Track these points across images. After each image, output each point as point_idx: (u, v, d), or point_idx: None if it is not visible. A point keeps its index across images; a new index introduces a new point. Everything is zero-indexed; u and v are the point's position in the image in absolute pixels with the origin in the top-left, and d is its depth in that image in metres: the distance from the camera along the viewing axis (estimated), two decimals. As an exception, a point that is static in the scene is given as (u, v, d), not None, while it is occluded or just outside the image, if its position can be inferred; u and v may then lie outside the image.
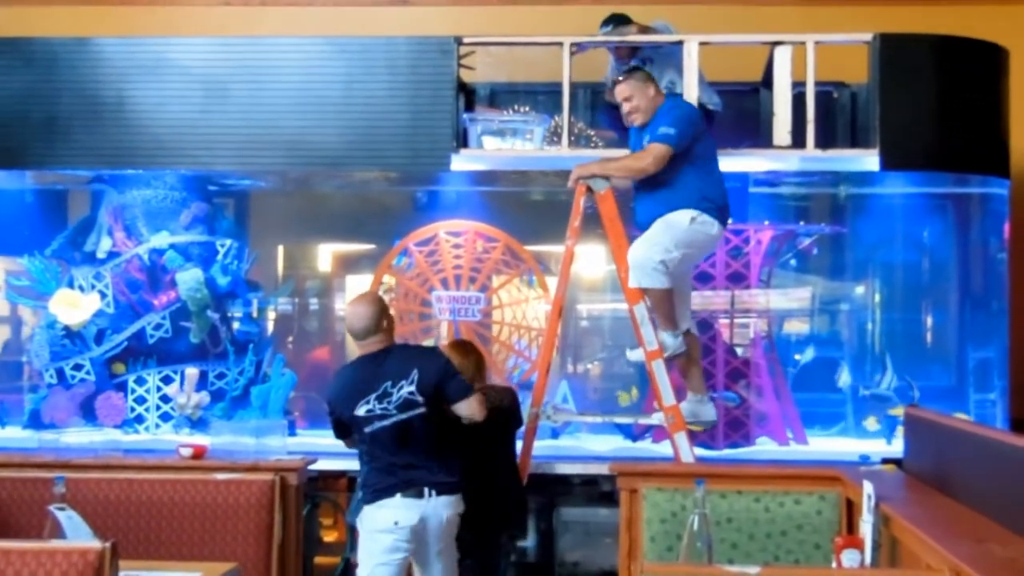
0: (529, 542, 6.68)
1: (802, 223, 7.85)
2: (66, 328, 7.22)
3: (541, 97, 7.50)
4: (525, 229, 7.46)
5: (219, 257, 7.44)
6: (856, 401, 7.44)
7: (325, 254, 8.78)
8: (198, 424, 7.05)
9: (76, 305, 7.19)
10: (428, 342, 7.08)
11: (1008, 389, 7.37)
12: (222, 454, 6.02)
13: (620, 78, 6.24)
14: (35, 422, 7.16)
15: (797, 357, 7.80)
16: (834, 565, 4.18)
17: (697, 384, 6.26)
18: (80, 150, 6.96)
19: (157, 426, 7.19)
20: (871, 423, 7.20)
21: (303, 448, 6.50)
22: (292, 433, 6.84)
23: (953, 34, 6.98)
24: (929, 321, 8.08)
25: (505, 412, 5.65)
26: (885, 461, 5.95)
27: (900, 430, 6.25)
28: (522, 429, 5.86)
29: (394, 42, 6.97)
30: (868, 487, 4.46)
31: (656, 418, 6.13)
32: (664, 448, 6.46)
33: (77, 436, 6.83)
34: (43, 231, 7.59)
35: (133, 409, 7.21)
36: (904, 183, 7.53)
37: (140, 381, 7.23)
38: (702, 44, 6.62)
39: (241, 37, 7.55)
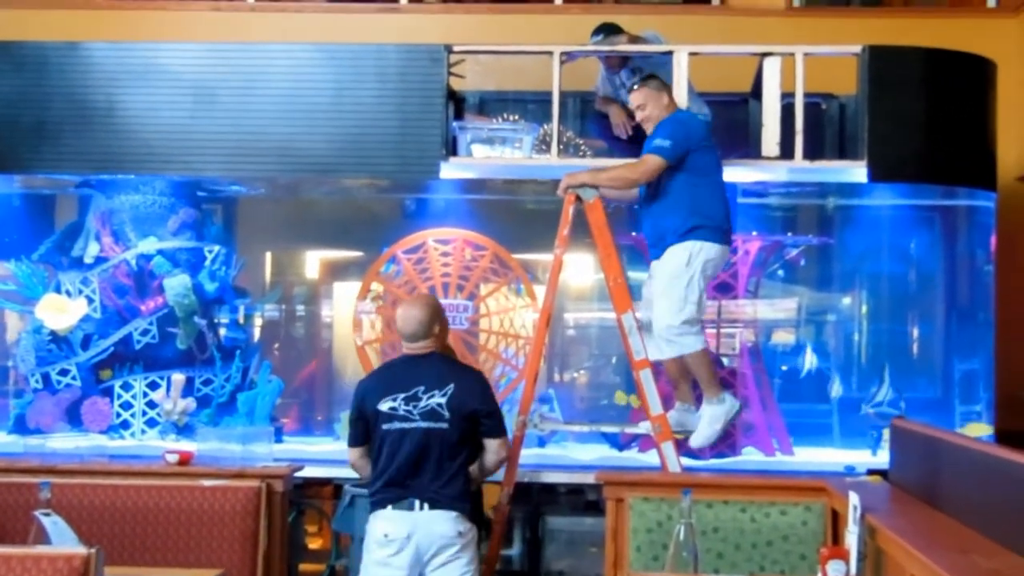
0: (515, 551, 6.68)
1: (790, 234, 7.87)
2: (52, 333, 7.19)
3: (530, 106, 7.51)
4: (514, 237, 7.45)
5: (207, 263, 7.41)
6: (847, 414, 7.46)
7: (313, 261, 8.77)
8: (184, 430, 7.01)
9: (63, 310, 7.17)
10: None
11: (994, 402, 7.39)
12: (208, 460, 6.01)
13: (635, 85, 6.26)
14: (20, 427, 7.13)
15: (785, 368, 7.84)
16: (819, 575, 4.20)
17: (685, 393, 6.27)
18: (69, 155, 6.95)
19: (143, 432, 7.15)
20: None
21: (289, 455, 6.50)
22: (278, 440, 6.82)
23: (942, 47, 7.01)
24: (915, 333, 8.10)
25: None
26: (871, 472, 5.97)
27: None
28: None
29: (384, 49, 6.98)
30: (854, 498, 4.47)
31: (643, 427, 6.14)
32: (651, 458, 6.46)
33: (63, 441, 6.80)
34: (30, 235, 7.56)
35: (119, 415, 7.18)
36: (892, 195, 7.55)
37: (126, 387, 7.21)
38: (691, 55, 6.65)
39: (230, 43, 7.55)
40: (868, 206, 7.79)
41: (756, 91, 6.88)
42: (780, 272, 7.92)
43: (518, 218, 7.94)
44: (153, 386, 7.22)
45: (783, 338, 8.10)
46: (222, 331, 7.58)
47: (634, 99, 6.20)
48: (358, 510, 6.10)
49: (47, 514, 4.41)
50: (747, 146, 7.03)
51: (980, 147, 7.04)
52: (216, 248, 7.46)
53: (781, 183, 7.21)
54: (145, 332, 7.27)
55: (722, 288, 7.08)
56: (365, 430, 5.24)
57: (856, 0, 10.24)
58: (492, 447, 5.23)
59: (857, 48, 6.72)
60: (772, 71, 6.61)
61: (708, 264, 6.00)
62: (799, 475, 6.12)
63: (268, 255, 8.68)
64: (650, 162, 5.92)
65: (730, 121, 7.38)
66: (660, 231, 6.12)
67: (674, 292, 5.94)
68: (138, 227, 7.40)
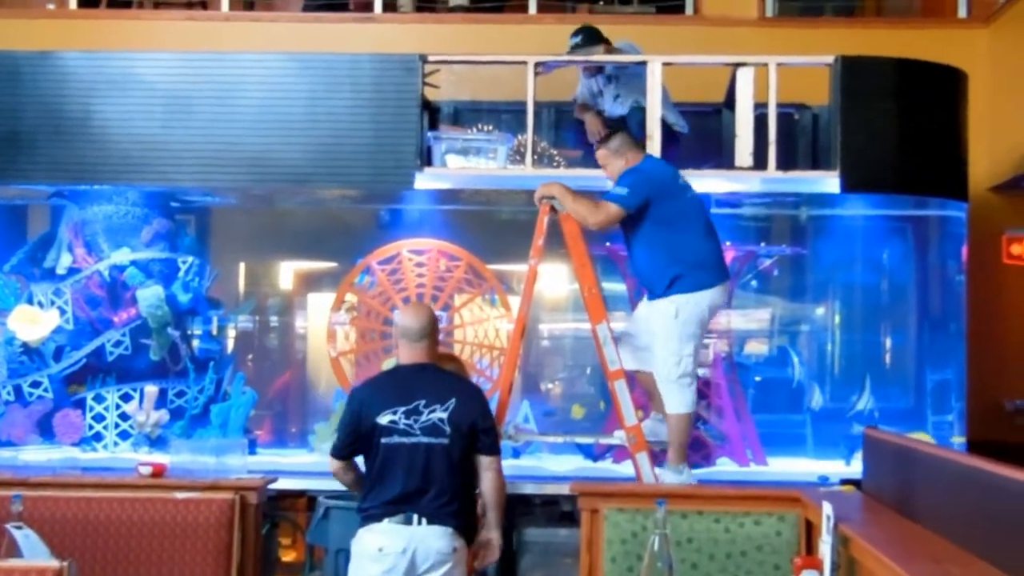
0: (490, 562, 6.67)
1: (763, 244, 7.89)
2: (24, 345, 7.16)
3: (505, 116, 7.56)
4: (488, 248, 7.47)
5: (180, 274, 7.39)
6: (821, 424, 7.48)
7: (287, 272, 8.76)
8: (157, 442, 7.00)
9: (35, 321, 7.13)
10: (389, 361, 7.05)
11: (965, 411, 7.43)
12: (181, 473, 5.96)
13: (597, 145, 6.22)
14: (-8, 439, 7.10)
15: (758, 378, 7.86)
16: (793, 586, 4.21)
17: (661, 404, 6.26)
18: (42, 165, 6.93)
19: (116, 444, 7.13)
20: None
21: (263, 467, 6.45)
22: (252, 452, 6.78)
23: (913, 57, 7.06)
24: (888, 343, 8.15)
25: None
26: (844, 482, 5.97)
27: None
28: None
29: (358, 59, 6.99)
30: (827, 508, 4.48)
31: (618, 438, 6.14)
32: (625, 468, 6.47)
33: (35, 454, 6.78)
34: (2, 247, 7.54)
35: (91, 427, 7.15)
36: (864, 205, 7.60)
37: (99, 398, 7.18)
38: (665, 64, 6.68)
39: (205, 53, 7.55)
40: (841, 216, 7.83)
41: (729, 101, 6.91)
42: (753, 282, 7.94)
43: (493, 229, 7.95)
44: (126, 398, 7.18)
45: (757, 348, 8.12)
46: (195, 342, 7.57)
47: (599, 157, 6.16)
48: (332, 522, 6.09)
49: (19, 527, 4.38)
50: (720, 156, 7.07)
51: (951, 157, 7.10)
52: (189, 259, 7.45)
53: (754, 193, 7.22)
54: (118, 344, 7.24)
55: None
56: (355, 442, 5.14)
57: (828, 10, 10.31)
58: (486, 463, 5.15)
59: (830, 58, 6.77)
60: (745, 81, 6.65)
61: (699, 314, 5.89)
62: (773, 486, 6.13)
63: (242, 266, 8.68)
64: (607, 209, 5.87)
65: (704, 131, 7.43)
66: (645, 283, 6.10)
67: (670, 346, 5.88)
68: (111, 238, 7.38)
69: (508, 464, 6.62)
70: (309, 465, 6.82)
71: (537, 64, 6.73)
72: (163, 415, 7.07)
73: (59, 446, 7.04)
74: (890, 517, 5.04)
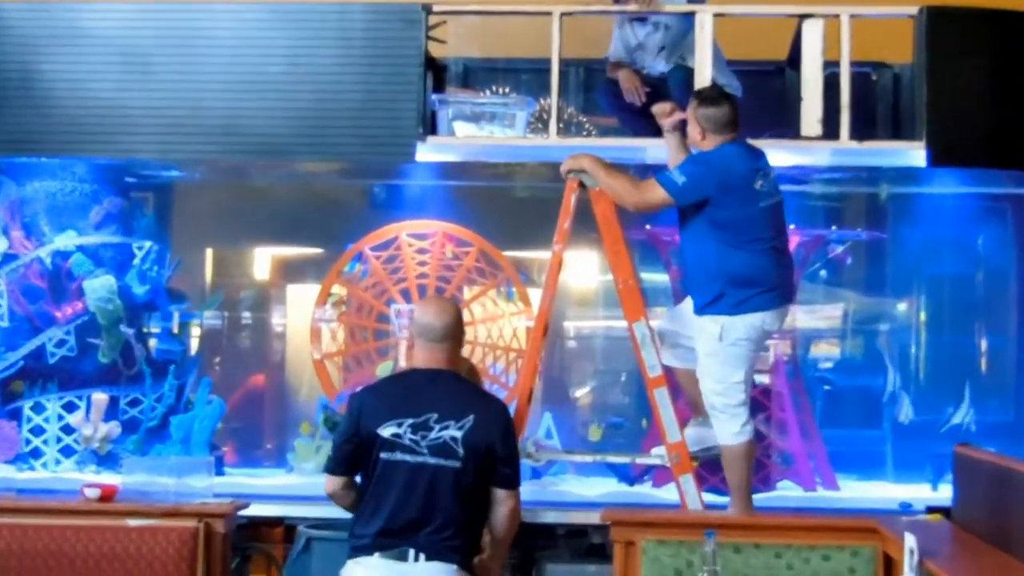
0: (507, 604, 6.66)
1: (834, 228, 7.89)
2: (-50, 345, 7.21)
3: (524, 76, 7.55)
4: (504, 231, 7.49)
5: (136, 262, 7.42)
6: (903, 441, 7.46)
7: (263, 259, 8.78)
8: (107, 460, 7.02)
9: (-37, 317, 7.18)
10: (384, 365, 7.06)
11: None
12: (135, 496, 5.98)
13: (694, 101, 6.06)
14: (-89, 457, 7.13)
15: (829, 387, 7.84)
16: (870, 630, 4.18)
17: (703, 406, 6.18)
18: (-27, 134, 6.96)
19: (57, 462, 7.14)
20: None
21: (233, 490, 6.47)
22: (219, 472, 6.82)
23: (1012, 8, 7.01)
24: (984, 344, 8.13)
25: None
26: (930, 510, 5.98)
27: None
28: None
29: (349, 9, 6.98)
30: (910, 540, 4.48)
31: (658, 457, 6.12)
32: (667, 493, 6.46)
33: (-39, 474, 6.82)
34: (-75, 229, 7.57)
35: (29, 441, 7.16)
36: (956, 181, 7.59)
37: (38, 408, 7.20)
38: (717, 16, 6.66)
39: (166, 2, 7.52)
40: (927, 195, 7.83)
41: (794, 60, 6.89)
42: (823, 273, 7.94)
43: (509, 208, 7.95)
44: (70, 408, 7.19)
45: (826, 351, 8.10)
46: (153, 342, 7.58)
47: (686, 114, 5.98)
48: (315, 556, 6.08)
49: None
50: (783, 124, 7.03)
51: (1060, 124, 7.05)
52: (147, 244, 7.48)
53: (824, 167, 7.22)
54: (61, 343, 7.26)
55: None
56: (354, 455, 5.10)
57: (913, -48, 10.28)
58: (502, 497, 5.11)
59: (913, 9, 6.73)
60: (813, 36, 6.63)
61: (749, 335, 5.80)
62: (845, 514, 6.11)
63: (209, 252, 8.69)
64: (652, 191, 5.81)
65: (763, 95, 7.38)
66: (690, 288, 6.03)
67: (712, 369, 5.83)
68: (54, 219, 7.40)
69: (527, 487, 6.60)
70: (287, 488, 6.84)
71: (563, 14, 6.70)
72: (114, 428, 7.09)
73: (-10, 464, 7.06)
74: (985, 551, 5.02)
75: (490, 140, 6.95)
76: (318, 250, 8.45)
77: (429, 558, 4.92)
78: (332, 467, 5.19)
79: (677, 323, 6.16)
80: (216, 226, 8.52)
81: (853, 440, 7.61)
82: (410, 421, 5.00)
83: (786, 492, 6.91)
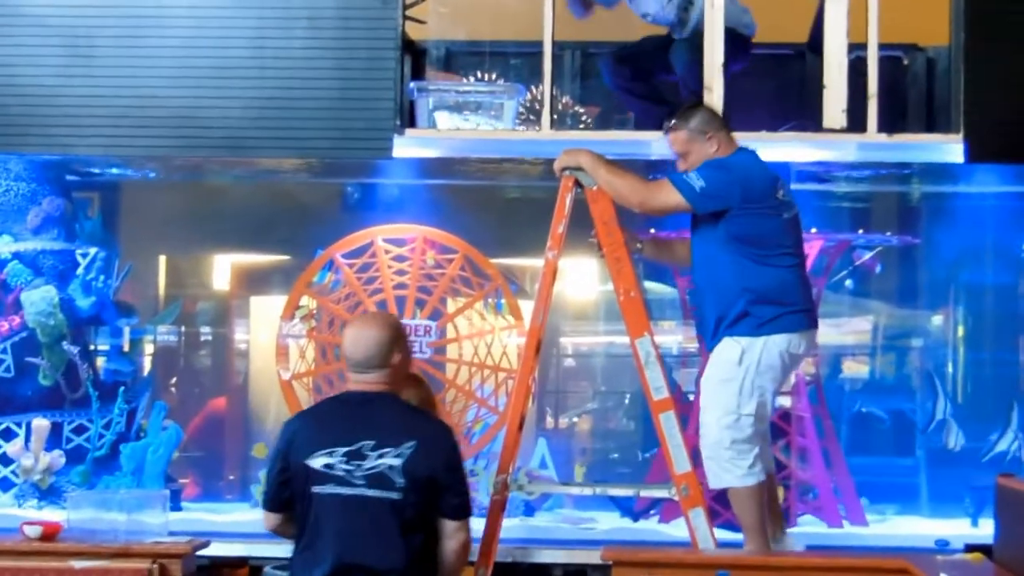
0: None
1: (861, 232, 7.85)
2: None
3: (514, 60, 7.55)
4: (491, 236, 7.51)
5: (80, 271, 7.45)
6: (939, 470, 7.49)
7: (223, 268, 8.78)
8: (49, 494, 7.03)
9: None
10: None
11: None
12: (81, 534, 5.98)
13: (672, 123, 6.07)
14: None
15: (856, 410, 7.87)
16: None
17: None
18: None
19: (-7, 497, 7.16)
20: None
21: (191, 527, 6.49)
22: (176, 507, 6.83)
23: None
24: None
25: None
26: (969, 548, 5.97)
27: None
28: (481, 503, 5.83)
29: (319, -13, 7.01)
30: (947, 581, 4.48)
31: (665, 489, 6.14)
32: (676, 529, 6.49)
33: None
34: None
35: (-39, 474, 7.16)
36: (997, 179, 7.57)
37: (-29, 436, 7.22)
38: (729, -9, 6.70)
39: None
40: (965, 194, 7.84)
41: (815, 42, 6.91)
42: (848, 282, 7.94)
43: (497, 210, 8.00)
44: (7, 435, 7.21)
45: (853, 370, 8.09)
46: (100, 361, 7.61)
47: (673, 143, 5.98)
48: (281, 599, 6.11)
49: None
50: (803, 115, 7.05)
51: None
52: (92, 251, 7.49)
53: (849, 163, 7.22)
54: (-4, 363, 7.29)
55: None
56: (287, 489, 5.07)
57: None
58: (451, 529, 5.11)
59: (950, -14, 6.78)
60: (837, 15, 6.66)
61: (771, 361, 5.77)
62: (874, 552, 6.14)
63: (163, 260, 8.69)
64: (665, 193, 5.77)
65: (781, 81, 7.42)
66: (710, 311, 5.95)
67: (723, 400, 5.78)
68: (-13, 223, 7.41)
69: (519, 523, 6.68)
70: (251, 524, 6.76)
71: (559, -7, 6.75)
72: (57, 458, 7.09)
73: (-83, 499, 7.08)
74: (1031, 594, 5.02)
75: (475, 133, 6.98)
76: (284, 257, 8.49)
77: None
78: (268, 503, 5.15)
79: None
80: (170, 230, 8.52)
81: (883, 469, 7.61)
82: (343, 449, 4.94)
83: (808, 528, 6.93)
